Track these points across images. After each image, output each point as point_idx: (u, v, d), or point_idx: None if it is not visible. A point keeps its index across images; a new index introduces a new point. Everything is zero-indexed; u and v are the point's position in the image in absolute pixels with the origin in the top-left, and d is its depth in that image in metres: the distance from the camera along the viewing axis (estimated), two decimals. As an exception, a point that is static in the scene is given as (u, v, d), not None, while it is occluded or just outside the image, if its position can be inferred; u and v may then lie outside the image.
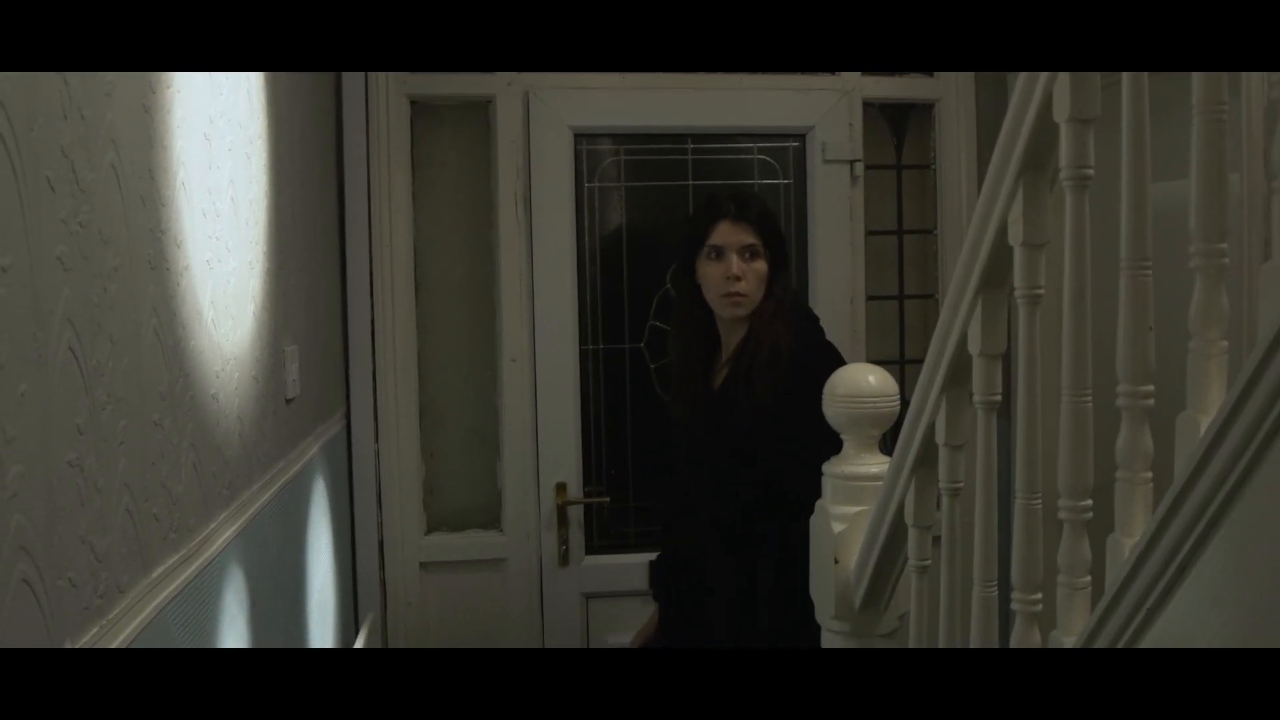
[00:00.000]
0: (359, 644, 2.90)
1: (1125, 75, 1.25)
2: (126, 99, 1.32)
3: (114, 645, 1.22)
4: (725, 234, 2.46)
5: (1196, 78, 1.13)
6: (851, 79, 3.46)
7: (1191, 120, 1.16)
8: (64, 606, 1.11)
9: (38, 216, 1.06)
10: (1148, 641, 1.18)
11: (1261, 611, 1.05)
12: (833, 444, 2.09)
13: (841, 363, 2.28)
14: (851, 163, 3.45)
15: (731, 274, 2.43)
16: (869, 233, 3.52)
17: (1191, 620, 1.13)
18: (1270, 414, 0.97)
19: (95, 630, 1.18)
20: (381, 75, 3.24)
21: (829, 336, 3.43)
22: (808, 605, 2.24)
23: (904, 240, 3.61)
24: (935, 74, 3.51)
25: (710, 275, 2.47)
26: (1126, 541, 1.24)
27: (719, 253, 2.46)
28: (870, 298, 3.54)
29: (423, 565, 3.37)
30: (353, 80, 3.21)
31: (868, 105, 3.50)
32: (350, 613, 3.22)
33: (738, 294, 2.44)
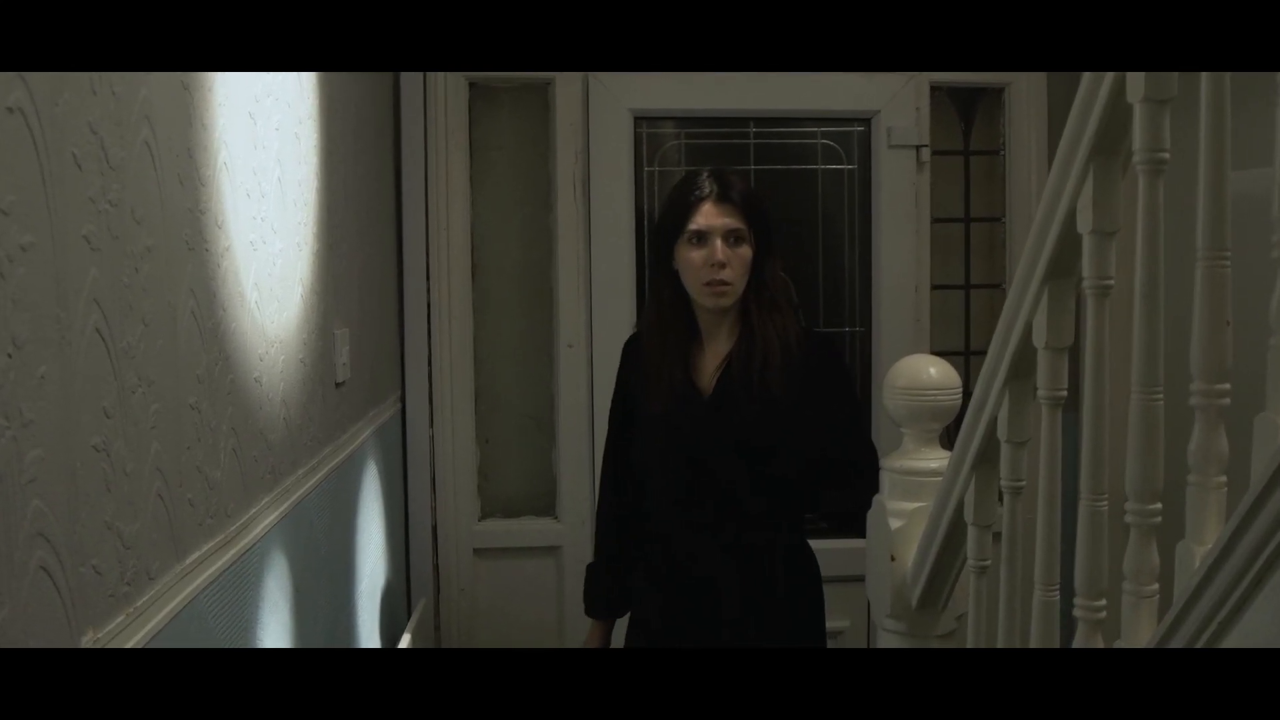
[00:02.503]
0: (409, 630, 2.87)
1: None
2: (163, 76, 1.29)
3: (143, 632, 1.20)
4: (708, 217, 2.23)
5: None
6: (919, 62, 3.36)
7: (1275, 104, 1.08)
8: (86, 594, 1.08)
9: (62, 194, 1.03)
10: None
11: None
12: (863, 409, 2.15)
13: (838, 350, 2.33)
14: (918, 148, 3.36)
15: (716, 260, 2.20)
16: (935, 220, 3.43)
17: (1266, 636, 1.06)
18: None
19: (121, 618, 1.16)
20: (440, 56, 3.20)
21: (895, 327, 3.40)
22: (817, 603, 2.36)
23: (971, 228, 3.51)
24: (1006, 57, 3.40)
25: (691, 261, 2.23)
26: (1197, 550, 1.16)
27: (701, 237, 2.23)
28: (935, 287, 3.45)
29: (476, 551, 3.35)
30: (411, 61, 3.18)
31: (935, 89, 3.40)
32: (403, 598, 3.20)
33: (721, 282, 2.22)
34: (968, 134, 3.50)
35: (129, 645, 1.16)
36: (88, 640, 1.08)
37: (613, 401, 2.48)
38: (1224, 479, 1.18)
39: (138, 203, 1.22)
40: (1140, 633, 1.29)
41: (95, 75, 1.11)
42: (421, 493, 3.28)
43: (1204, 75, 1.16)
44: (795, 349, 2.25)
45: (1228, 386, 1.18)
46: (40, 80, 0.98)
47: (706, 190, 2.25)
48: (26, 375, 0.96)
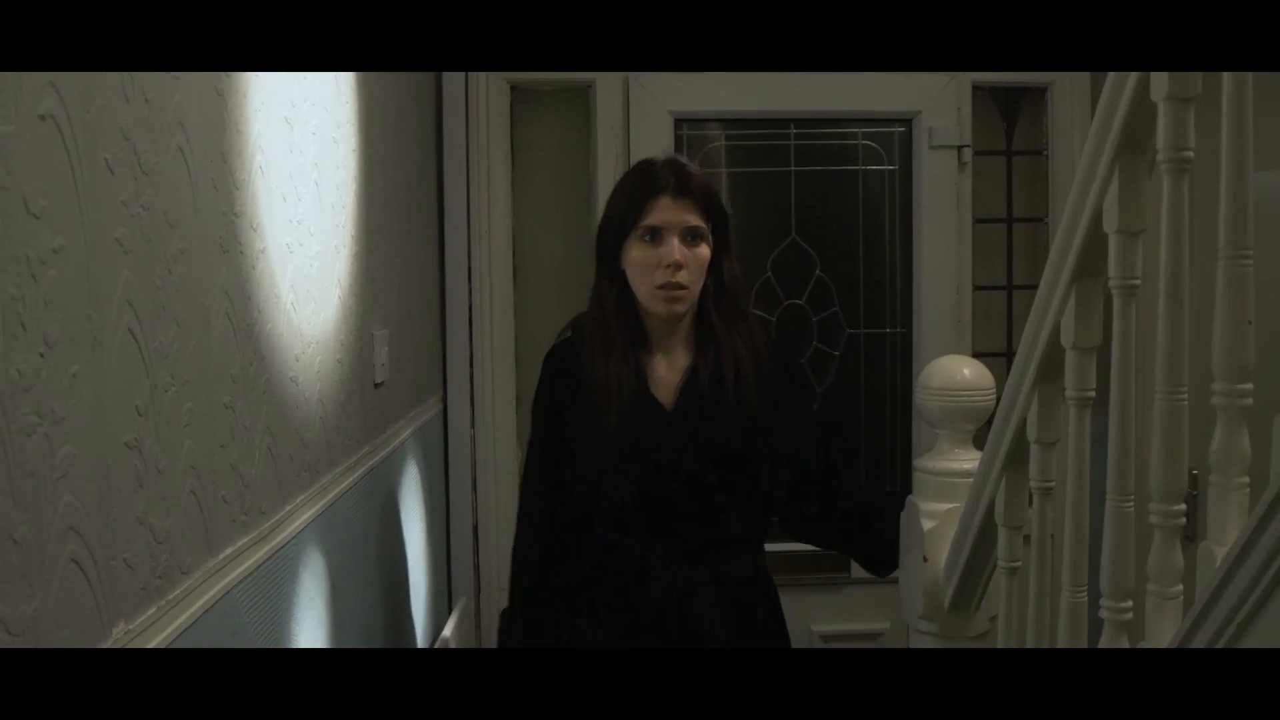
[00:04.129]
0: (450, 627, 2.91)
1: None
2: (196, 82, 1.32)
3: (174, 625, 1.22)
4: (664, 212, 1.97)
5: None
6: (961, 62, 3.35)
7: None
8: (118, 587, 1.11)
9: (95, 198, 1.06)
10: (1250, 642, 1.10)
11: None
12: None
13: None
14: (959, 148, 3.35)
15: (672, 261, 1.96)
16: (976, 220, 3.42)
17: (1286, 637, 1.05)
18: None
19: (152, 610, 1.19)
20: (482, 60, 3.24)
21: (936, 328, 3.39)
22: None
23: (1013, 229, 3.49)
24: (1049, 56, 3.38)
25: (644, 262, 1.98)
26: (1218, 550, 1.16)
27: (656, 235, 1.98)
28: (977, 288, 3.43)
29: (517, 550, 3.37)
30: (453, 65, 3.22)
31: (977, 89, 3.39)
32: (444, 596, 3.24)
33: (678, 285, 1.97)
34: (1010, 134, 3.48)
35: (160, 637, 1.19)
36: (119, 632, 1.11)
37: (536, 421, 2.18)
38: (1246, 479, 1.18)
39: (170, 206, 1.25)
40: (1164, 633, 1.28)
41: (128, 83, 1.14)
42: (462, 492, 3.31)
43: (1225, 74, 1.15)
44: (765, 358, 2.07)
45: (1250, 386, 1.17)
46: (72, 85, 1.01)
47: (663, 182, 2.00)
48: (58, 374, 0.99)
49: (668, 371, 2.07)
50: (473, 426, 3.32)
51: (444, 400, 3.27)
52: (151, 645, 1.17)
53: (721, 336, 2.03)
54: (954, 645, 2.03)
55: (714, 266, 2.04)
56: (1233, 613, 1.09)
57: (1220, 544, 1.17)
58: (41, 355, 0.96)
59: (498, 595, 3.36)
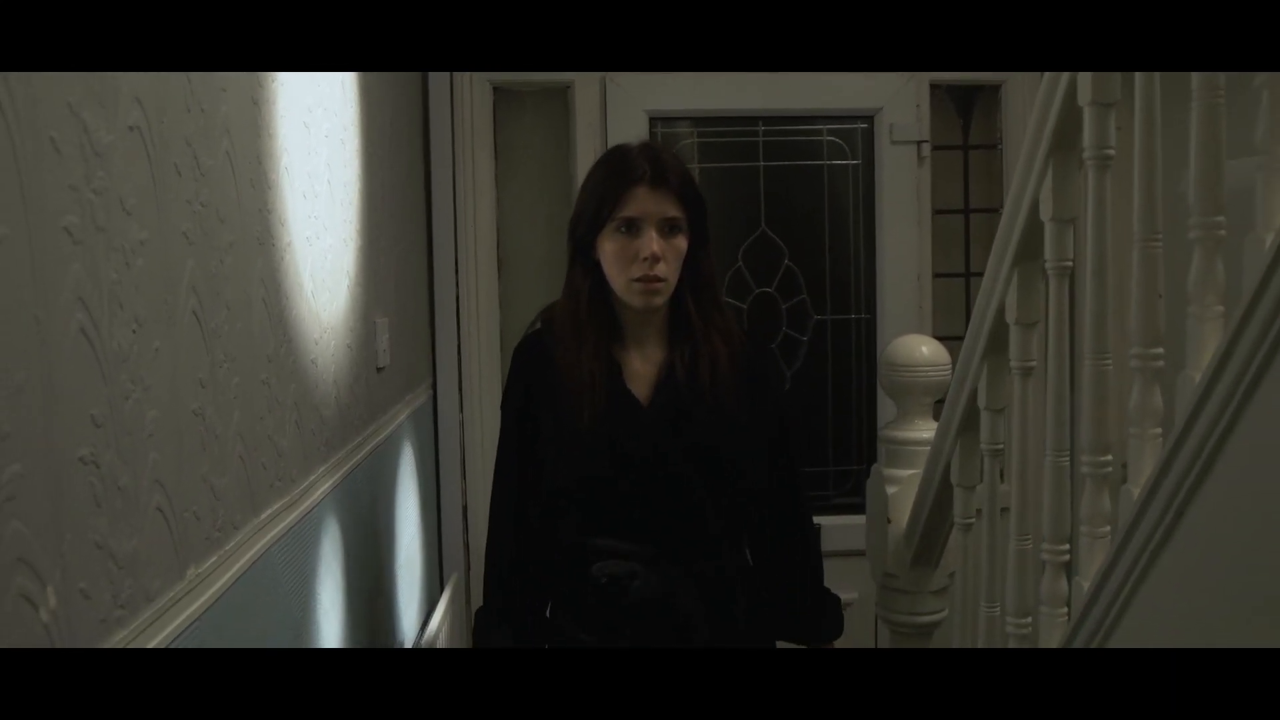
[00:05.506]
0: (443, 602, 3.07)
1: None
2: (239, 93, 1.49)
3: (231, 572, 1.39)
4: (642, 203, 1.90)
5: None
6: (919, 62, 3.55)
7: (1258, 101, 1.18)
8: (189, 535, 1.28)
9: (168, 198, 1.23)
10: (1153, 577, 1.29)
11: (1252, 550, 1.16)
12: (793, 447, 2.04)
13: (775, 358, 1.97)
14: (919, 143, 3.55)
15: (649, 253, 1.88)
16: (936, 212, 3.62)
17: (1191, 561, 1.24)
18: (1250, 368, 1.08)
19: (214, 558, 1.36)
20: (466, 63, 3.41)
21: (899, 313, 3.59)
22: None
23: (970, 219, 3.70)
24: (1002, 56, 3.59)
25: (620, 254, 1.91)
26: (1135, 491, 1.35)
27: (632, 226, 1.90)
28: (937, 275, 3.63)
29: (504, 529, 3.54)
30: (439, 68, 3.38)
31: (935, 87, 3.59)
32: (435, 571, 3.41)
33: (655, 278, 1.90)
34: (966, 130, 3.68)
35: (219, 584, 1.36)
36: (191, 574, 1.28)
37: (506, 417, 2.09)
38: (1159, 431, 1.37)
39: (221, 203, 1.41)
40: (1094, 567, 1.48)
41: (189, 94, 1.31)
42: (452, 474, 3.48)
43: (1137, 81, 1.34)
44: (740, 354, 1.99)
45: (1161, 350, 1.37)
46: (152, 100, 1.18)
47: (639, 172, 1.92)
48: (145, 349, 1.16)
49: (643, 366, 2.00)
50: (461, 412, 3.49)
51: (434, 387, 3.44)
52: (211, 591, 1.34)
53: (698, 330, 1.97)
54: (917, 600, 2.22)
55: (690, 258, 1.97)
56: (1146, 541, 1.29)
57: (1137, 486, 1.36)
58: (134, 331, 1.13)
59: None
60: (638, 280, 1.91)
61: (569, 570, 1.97)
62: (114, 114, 1.10)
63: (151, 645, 1.15)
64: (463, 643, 3.49)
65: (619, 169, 1.94)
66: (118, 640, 1.09)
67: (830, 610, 2.03)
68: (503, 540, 2.07)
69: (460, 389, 3.48)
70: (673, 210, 1.92)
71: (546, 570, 2.01)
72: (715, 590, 1.95)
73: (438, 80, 3.38)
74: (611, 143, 3.43)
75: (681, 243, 1.93)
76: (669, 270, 1.92)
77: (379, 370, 2.50)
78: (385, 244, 2.61)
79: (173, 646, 1.20)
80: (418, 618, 3.01)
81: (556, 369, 1.98)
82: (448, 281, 3.44)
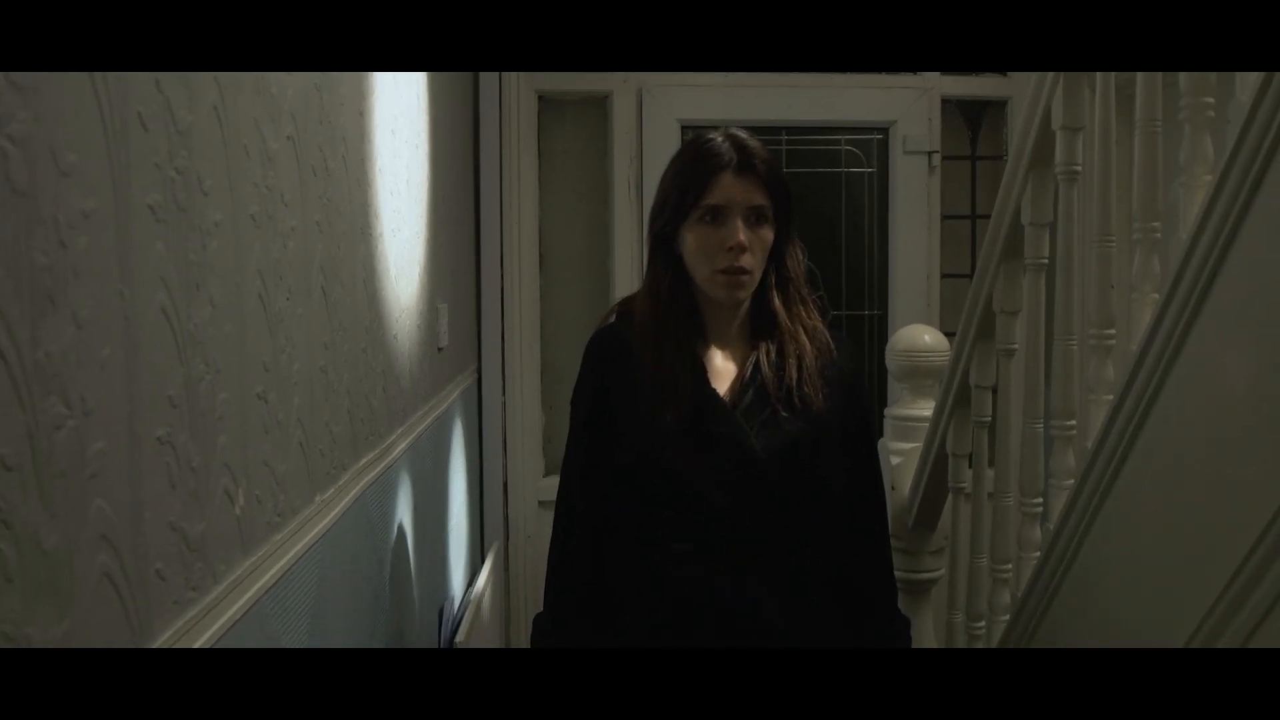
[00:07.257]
0: (485, 570, 3.36)
1: (1112, 94, 1.64)
2: (350, 106, 1.80)
3: (332, 515, 1.68)
4: (727, 190, 1.78)
5: (1140, 101, 1.52)
6: (931, 78, 3.84)
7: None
8: (253, 521, 1.29)
9: (303, 198, 1.53)
10: (1106, 511, 1.58)
11: (1177, 486, 1.45)
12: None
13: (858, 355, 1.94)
14: (930, 153, 3.84)
15: (735, 243, 1.77)
16: (944, 217, 3.91)
17: (1134, 498, 1.54)
18: (1171, 339, 1.37)
19: (291, 525, 1.65)
20: (513, 74, 3.72)
21: (909, 310, 3.88)
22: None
23: (976, 224, 3.98)
24: (1009, 74, 3.87)
25: (704, 244, 1.79)
26: (1088, 445, 1.64)
27: (718, 215, 1.78)
28: (944, 275, 3.92)
29: (541, 504, 3.85)
30: (488, 79, 3.68)
31: (946, 102, 3.88)
32: (478, 541, 3.71)
33: (741, 270, 1.78)
34: (974, 141, 3.97)
35: (328, 519, 1.65)
36: (279, 534, 1.57)
37: (578, 412, 1.93)
38: (1111, 397, 1.66)
39: (341, 201, 1.71)
40: (1058, 510, 1.76)
41: (320, 108, 1.60)
42: (494, 451, 3.78)
43: (1096, 110, 1.63)
44: (826, 354, 1.84)
45: (1113, 331, 1.65)
46: (300, 113, 1.48)
47: (726, 158, 1.79)
48: (219, 330, 1.16)
49: (726, 363, 1.87)
50: (503, 394, 3.79)
51: (479, 370, 3.74)
52: (314, 533, 1.59)
53: (784, 327, 1.85)
54: (917, 560, 2.51)
55: (775, 250, 1.84)
56: (1097, 484, 1.57)
57: (1089, 439, 1.65)
58: (209, 311, 1.12)
59: (523, 543, 3.83)
60: (722, 271, 1.79)
61: (646, 573, 1.83)
62: (194, 94, 1.09)
63: (230, 614, 1.17)
64: (502, 609, 3.79)
65: (702, 155, 1.82)
66: (187, 619, 1.07)
67: (900, 636, 1.88)
68: (569, 540, 1.92)
69: (503, 373, 3.78)
70: (760, 198, 1.79)
71: (620, 574, 1.86)
72: (801, 597, 1.82)
73: (487, 89, 3.68)
74: (646, 148, 3.76)
75: (768, 234, 1.81)
76: (754, 262, 1.80)
77: (439, 350, 2.80)
78: (444, 238, 2.92)
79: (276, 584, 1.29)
80: (463, 578, 3.31)
81: (635, 365, 1.85)
82: (493, 274, 3.74)
